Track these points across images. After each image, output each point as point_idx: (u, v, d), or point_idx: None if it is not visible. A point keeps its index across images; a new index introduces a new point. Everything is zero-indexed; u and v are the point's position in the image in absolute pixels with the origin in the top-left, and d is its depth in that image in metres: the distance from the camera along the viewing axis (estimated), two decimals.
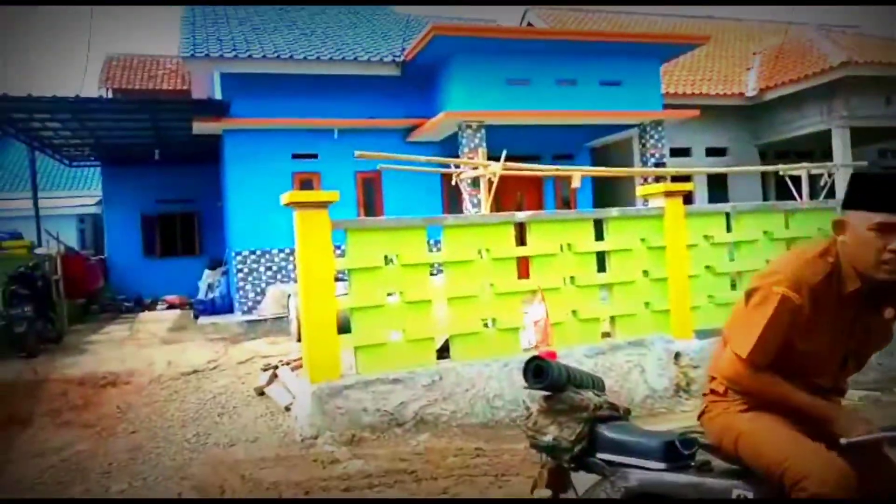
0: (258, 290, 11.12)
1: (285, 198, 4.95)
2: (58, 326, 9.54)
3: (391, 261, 5.17)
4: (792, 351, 1.94)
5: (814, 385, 1.99)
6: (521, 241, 5.74)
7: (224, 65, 10.84)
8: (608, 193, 13.61)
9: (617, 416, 2.43)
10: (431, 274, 5.69)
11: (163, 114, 11.38)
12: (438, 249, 5.61)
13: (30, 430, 5.58)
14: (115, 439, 5.31)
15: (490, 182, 6.40)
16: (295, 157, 11.51)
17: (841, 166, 10.92)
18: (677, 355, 5.79)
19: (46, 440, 5.31)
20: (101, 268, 15.45)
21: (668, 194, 6.06)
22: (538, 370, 2.48)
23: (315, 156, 11.59)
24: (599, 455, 2.29)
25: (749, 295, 1.99)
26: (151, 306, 14.66)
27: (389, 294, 5.20)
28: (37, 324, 8.63)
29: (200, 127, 11.13)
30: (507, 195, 12.11)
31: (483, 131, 10.82)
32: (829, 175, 9.28)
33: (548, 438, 2.38)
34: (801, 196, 8.80)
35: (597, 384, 2.66)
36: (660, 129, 12.26)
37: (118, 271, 16.03)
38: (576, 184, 7.07)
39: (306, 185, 11.15)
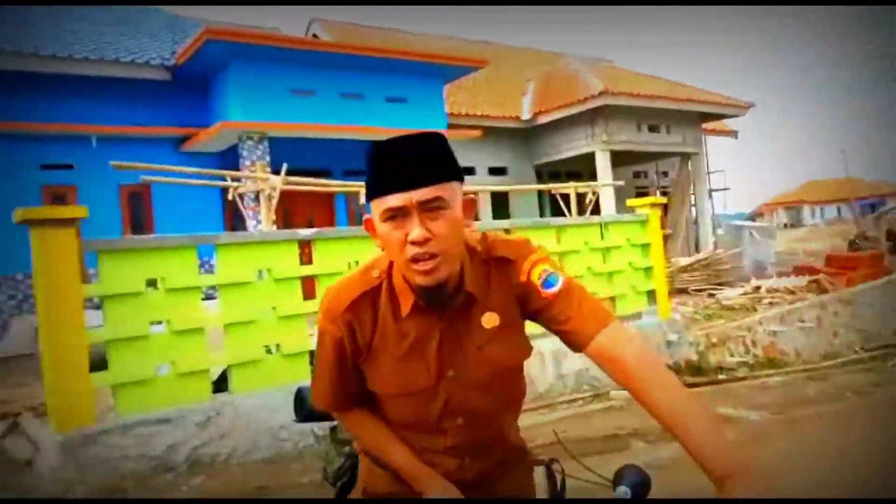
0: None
1: (19, 214, 4.16)
2: None
3: (155, 285, 4.57)
4: (377, 393, 1.47)
5: (423, 437, 1.46)
6: (309, 259, 5.43)
7: None
8: None
9: None
10: (204, 298, 5.17)
11: None
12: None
13: None
14: None
15: (270, 197, 6.00)
16: (45, 167, 10.04)
17: (603, 185, 12.02)
18: None
19: None
20: None
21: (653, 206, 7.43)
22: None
23: (70, 166, 10.22)
24: None
25: None
26: None
27: (154, 323, 4.59)
28: None
29: None
30: (297, 212, 11.67)
31: (266, 143, 10.31)
32: (594, 193, 10.13)
33: (330, 470, 2.15)
34: (569, 212, 9.48)
35: None
36: None
37: None
38: (364, 200, 6.90)
39: (58, 199, 9.76)
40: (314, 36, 16.42)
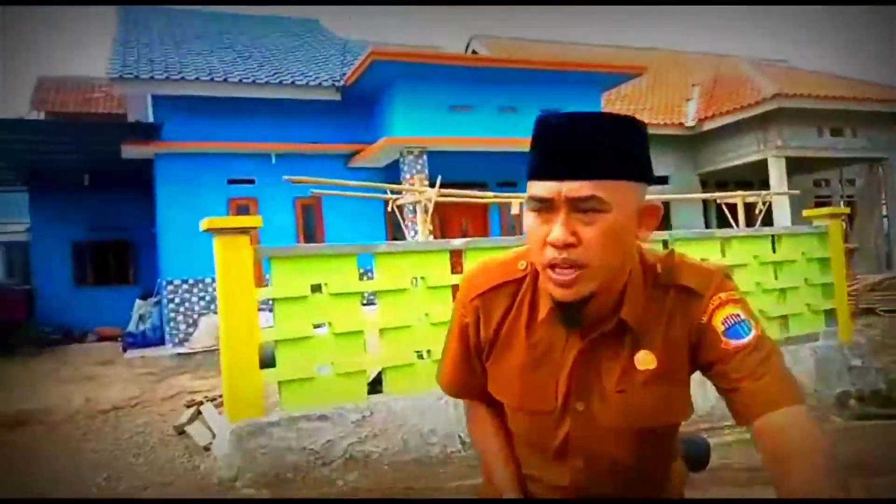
0: (190, 321, 10.64)
1: (205, 223, 4.66)
2: None
3: (319, 290, 4.91)
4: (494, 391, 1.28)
5: (537, 464, 1.24)
6: (461, 268, 5.56)
7: (155, 87, 10.47)
8: None
9: None
10: (364, 304, 5.45)
11: (89, 137, 10.87)
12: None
13: None
14: (13, 485, 4.86)
15: (426, 208, 6.23)
16: (231, 182, 11.15)
17: (774, 194, 11.15)
18: None
19: None
20: (26, 298, 14.64)
21: (832, 216, 7.00)
22: None
23: (252, 181, 11.26)
24: None
25: None
26: (81, 338, 13.91)
27: (317, 325, 4.93)
28: None
29: (130, 151, 10.68)
30: (453, 223, 11.99)
31: (425, 157, 10.70)
32: (764, 203, 9.44)
33: None
34: (737, 223, 8.90)
35: None
36: None
37: (46, 302, 15.21)
38: (514, 211, 6.99)
39: (242, 210, 10.78)
40: (474, 52, 16.82)
